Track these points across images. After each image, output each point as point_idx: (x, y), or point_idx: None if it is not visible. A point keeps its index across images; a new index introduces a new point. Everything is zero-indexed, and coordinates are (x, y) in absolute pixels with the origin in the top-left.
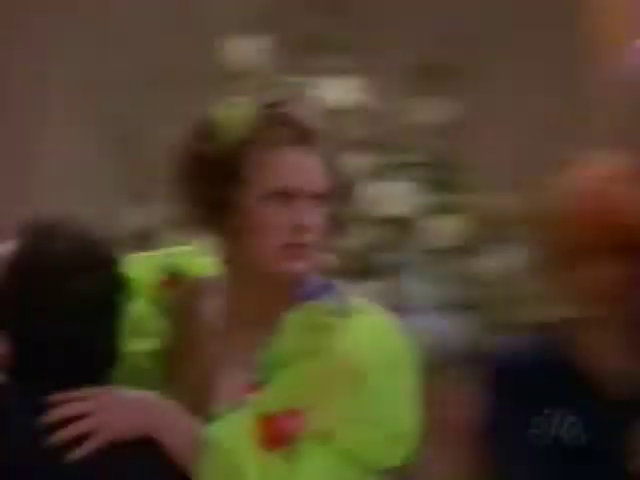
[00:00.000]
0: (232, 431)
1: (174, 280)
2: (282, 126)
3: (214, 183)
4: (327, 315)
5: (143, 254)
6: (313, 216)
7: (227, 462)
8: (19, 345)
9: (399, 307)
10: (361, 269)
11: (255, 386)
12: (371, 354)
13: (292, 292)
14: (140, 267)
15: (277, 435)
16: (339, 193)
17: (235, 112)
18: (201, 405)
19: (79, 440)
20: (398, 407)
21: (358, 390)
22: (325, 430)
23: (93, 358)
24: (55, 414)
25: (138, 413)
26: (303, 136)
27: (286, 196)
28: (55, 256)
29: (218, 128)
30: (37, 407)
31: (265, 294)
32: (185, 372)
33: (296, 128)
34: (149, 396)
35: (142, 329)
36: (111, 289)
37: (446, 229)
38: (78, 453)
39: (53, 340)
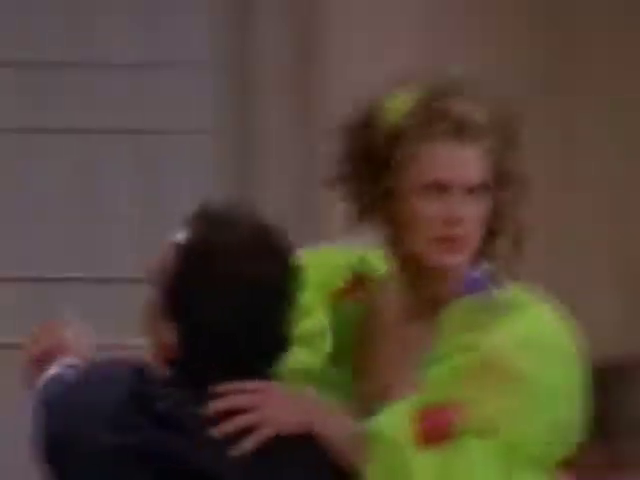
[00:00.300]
0: (394, 426)
1: (359, 282)
2: (438, 118)
3: (370, 172)
4: (484, 311)
5: (322, 250)
6: (466, 209)
7: (390, 458)
8: (191, 333)
9: None
10: None
11: (418, 384)
12: (528, 348)
13: (454, 286)
14: (322, 267)
15: (435, 429)
16: (502, 185)
17: (396, 101)
18: (376, 404)
19: (243, 433)
20: (559, 399)
21: (516, 384)
22: (483, 425)
23: (266, 346)
24: (219, 406)
25: (302, 409)
26: (458, 129)
27: (439, 188)
28: (234, 242)
29: (377, 117)
30: (203, 397)
31: (428, 288)
32: (365, 373)
33: (451, 121)
34: (311, 393)
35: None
36: (287, 277)
37: None
38: (241, 447)
39: (234, 326)
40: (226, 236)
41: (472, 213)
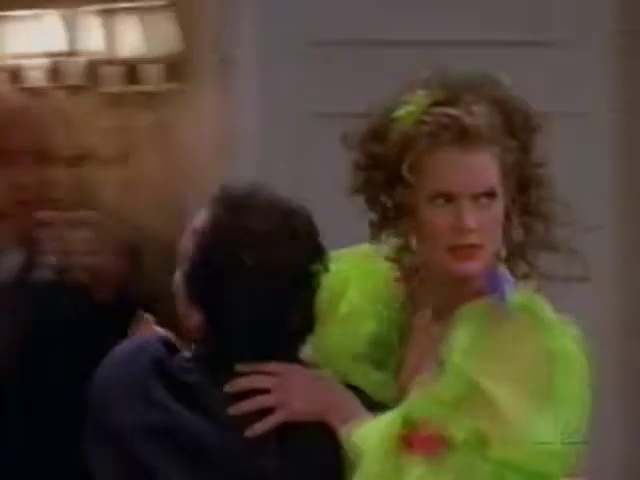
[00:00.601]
0: (378, 432)
1: (411, 273)
2: (442, 127)
3: (384, 183)
4: (494, 316)
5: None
6: (476, 217)
7: (370, 465)
8: (213, 318)
9: None
10: None
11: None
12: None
13: (473, 287)
14: (373, 263)
15: (421, 443)
16: (512, 188)
17: (406, 108)
18: (397, 393)
19: (258, 415)
20: (559, 412)
21: (513, 399)
22: (475, 439)
23: (283, 330)
24: (237, 385)
25: (317, 397)
26: (463, 137)
27: (447, 198)
28: (254, 226)
29: (389, 125)
30: (226, 377)
31: (448, 293)
32: (399, 364)
33: (456, 129)
34: (330, 380)
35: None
36: (308, 260)
37: None
38: (253, 429)
39: (246, 312)
40: (246, 220)
41: (482, 221)
